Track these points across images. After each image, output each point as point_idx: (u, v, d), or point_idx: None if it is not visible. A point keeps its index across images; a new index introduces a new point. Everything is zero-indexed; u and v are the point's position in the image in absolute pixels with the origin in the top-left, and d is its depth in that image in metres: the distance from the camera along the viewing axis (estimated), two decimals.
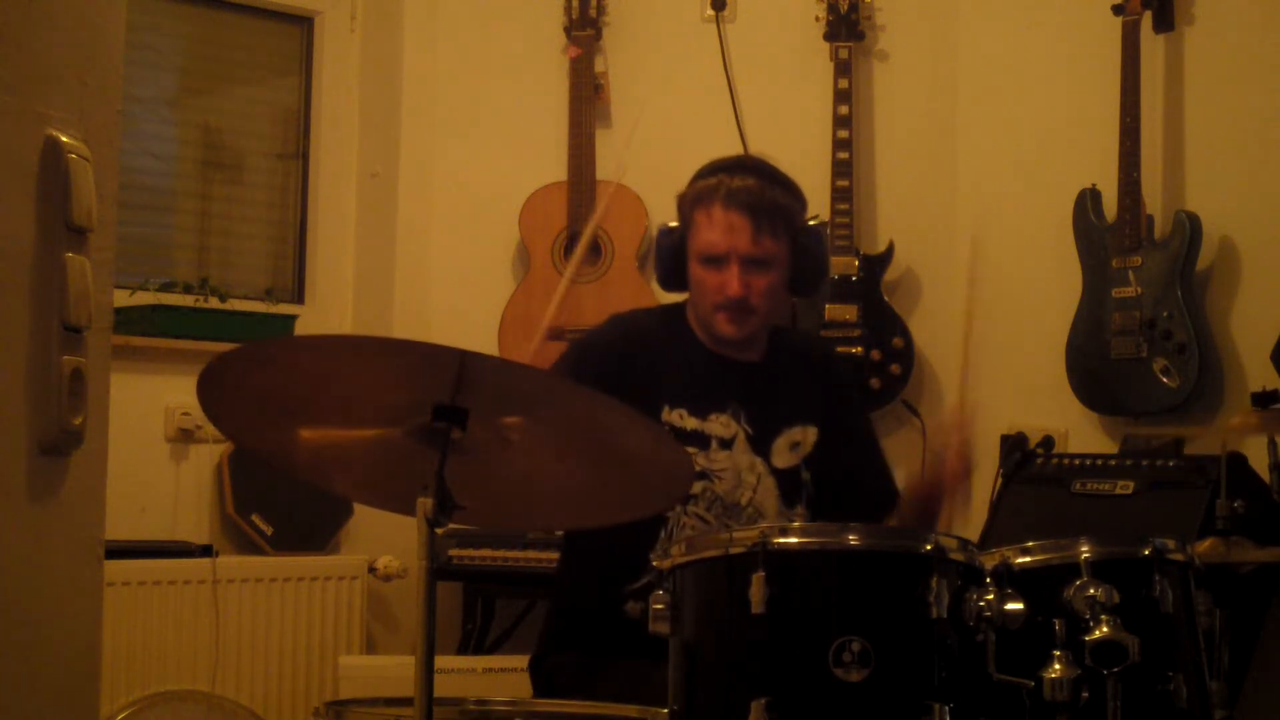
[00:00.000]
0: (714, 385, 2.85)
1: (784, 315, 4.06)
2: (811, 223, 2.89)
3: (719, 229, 2.77)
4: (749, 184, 2.78)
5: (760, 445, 2.85)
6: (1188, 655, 2.22)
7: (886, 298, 4.24)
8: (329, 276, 4.51)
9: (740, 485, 2.83)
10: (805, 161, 4.06)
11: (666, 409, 2.80)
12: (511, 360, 2.23)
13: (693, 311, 2.90)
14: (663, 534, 2.75)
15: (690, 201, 2.83)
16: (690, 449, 2.77)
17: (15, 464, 1.81)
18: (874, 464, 3.03)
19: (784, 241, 2.80)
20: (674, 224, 2.87)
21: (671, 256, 2.87)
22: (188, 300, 4.10)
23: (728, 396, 2.84)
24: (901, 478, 2.94)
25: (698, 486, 2.79)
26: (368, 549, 4.20)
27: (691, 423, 2.81)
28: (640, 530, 2.70)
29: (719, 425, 2.83)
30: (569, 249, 4.38)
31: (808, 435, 2.89)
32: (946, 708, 2.01)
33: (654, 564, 2.17)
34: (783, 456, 2.86)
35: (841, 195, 4.23)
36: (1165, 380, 3.76)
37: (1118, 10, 3.87)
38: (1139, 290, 3.81)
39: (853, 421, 3.04)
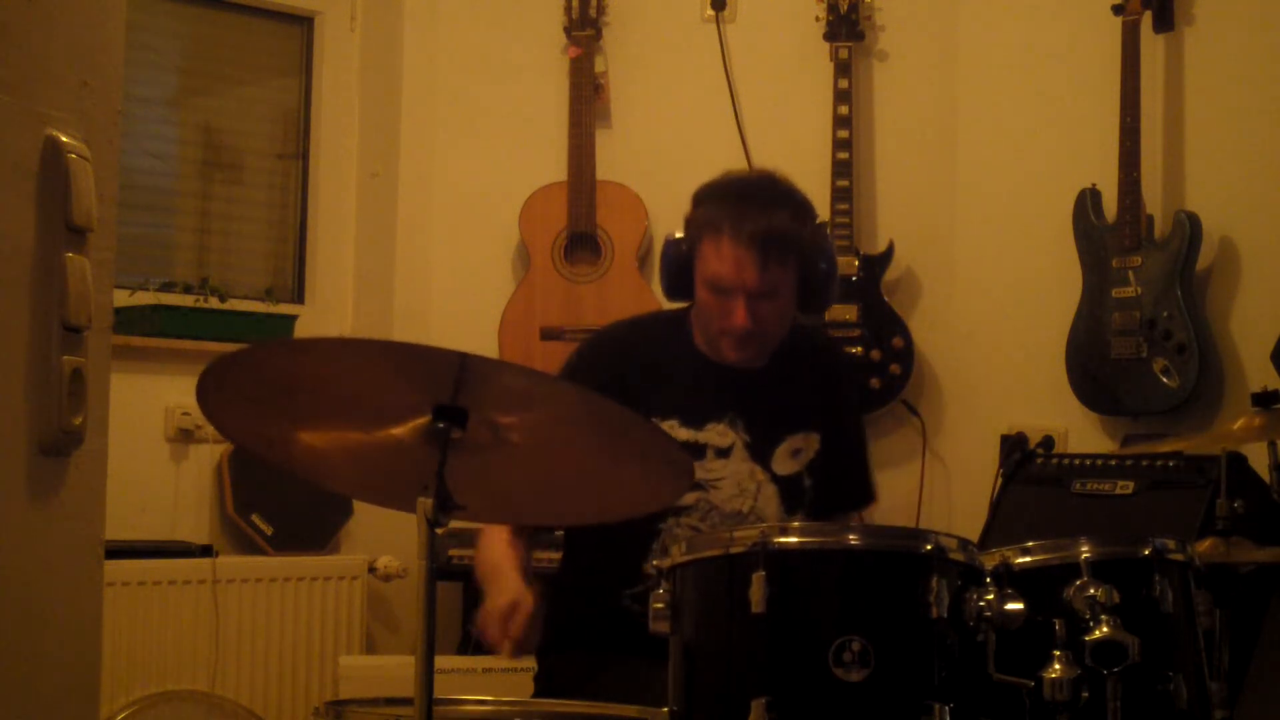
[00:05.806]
0: (711, 394, 2.83)
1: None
2: (818, 222, 2.85)
3: (727, 263, 2.71)
4: (756, 216, 2.71)
5: (760, 453, 2.83)
6: (1188, 655, 2.23)
7: (886, 298, 4.24)
8: (329, 276, 4.51)
9: (740, 493, 2.81)
10: (805, 161, 4.06)
11: (656, 421, 2.75)
12: (511, 361, 2.23)
13: (697, 321, 2.88)
14: (655, 546, 2.73)
15: (698, 227, 2.78)
16: None
17: (15, 464, 1.81)
18: (859, 464, 3.02)
19: (792, 266, 2.74)
20: (679, 235, 2.83)
21: (677, 269, 2.83)
22: (188, 300, 4.10)
23: (725, 405, 2.82)
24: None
25: (691, 497, 2.76)
26: (368, 549, 4.20)
27: (684, 434, 2.78)
28: (637, 535, 2.70)
29: (715, 434, 2.81)
30: (569, 249, 4.38)
31: (810, 442, 2.87)
32: (946, 708, 2.01)
33: (654, 564, 2.16)
34: (784, 464, 2.85)
35: (841, 195, 4.23)
36: (1165, 380, 3.76)
37: (1118, 10, 3.87)
38: (1139, 290, 3.81)
39: (850, 423, 3.03)
